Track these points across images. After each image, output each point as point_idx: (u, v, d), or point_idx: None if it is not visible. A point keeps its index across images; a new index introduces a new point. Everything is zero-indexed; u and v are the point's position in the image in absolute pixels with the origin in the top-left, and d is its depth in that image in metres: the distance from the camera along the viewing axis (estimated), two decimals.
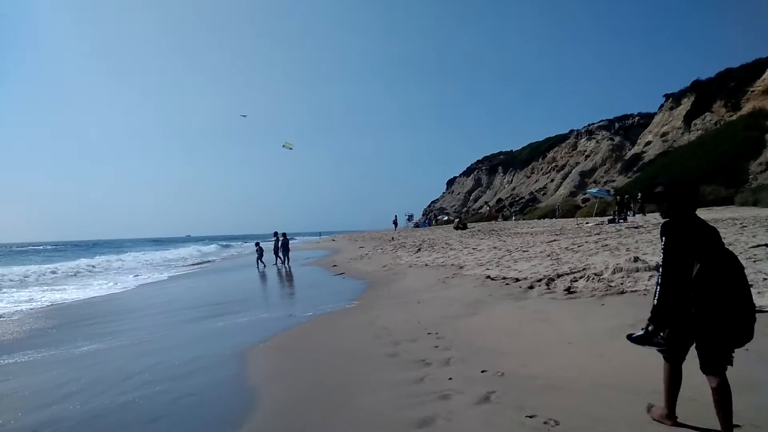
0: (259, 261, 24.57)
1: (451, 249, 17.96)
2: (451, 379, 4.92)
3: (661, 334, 3.23)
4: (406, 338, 6.86)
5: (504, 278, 10.73)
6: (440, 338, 6.67)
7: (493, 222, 47.11)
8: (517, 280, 10.29)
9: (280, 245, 24.50)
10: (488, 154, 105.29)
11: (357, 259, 21.04)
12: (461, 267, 13.49)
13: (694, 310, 3.04)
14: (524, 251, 14.40)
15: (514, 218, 50.73)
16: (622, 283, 8.27)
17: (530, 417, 3.80)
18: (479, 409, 4.12)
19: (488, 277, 11.23)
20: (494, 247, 16.28)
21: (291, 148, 28.09)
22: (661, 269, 3.16)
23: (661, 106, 63.60)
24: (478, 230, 27.41)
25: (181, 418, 4.88)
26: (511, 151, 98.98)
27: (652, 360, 3.68)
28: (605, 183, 60.19)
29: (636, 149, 62.73)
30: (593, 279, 8.93)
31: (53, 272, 24.16)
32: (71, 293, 17.25)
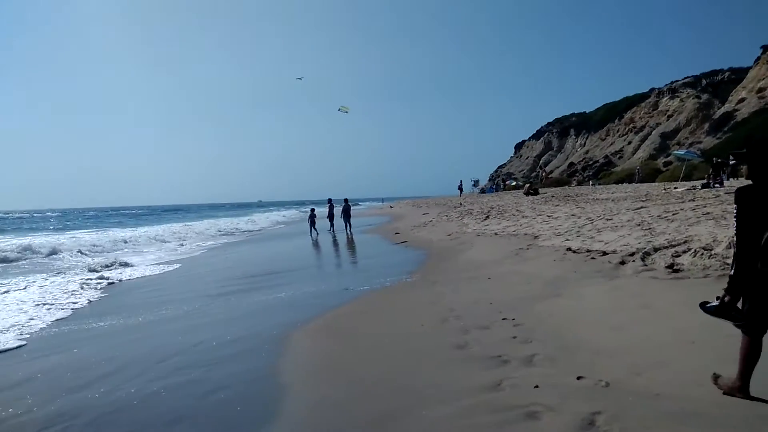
0: (312, 229, 23.60)
1: (523, 216, 16.50)
2: (537, 387, 3.79)
3: (737, 307, 3.05)
4: (476, 324, 5.77)
5: (588, 251, 9.36)
6: (518, 326, 5.54)
7: (566, 187, 44.48)
8: (605, 253, 8.89)
9: (341, 211, 23.68)
10: (559, 116, 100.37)
11: (420, 227, 19.98)
12: (536, 237, 12.13)
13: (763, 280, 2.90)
14: (608, 219, 12.81)
15: (591, 183, 47.45)
16: None
17: None
18: None
19: (569, 249, 9.88)
20: (572, 215, 14.71)
21: (347, 112, 27.63)
22: (735, 238, 3.01)
23: (757, 59, 57.48)
24: (552, 196, 25.44)
25: (205, 422, 4.06)
26: (584, 112, 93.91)
27: None
28: (691, 145, 55.59)
29: (727, 107, 57.44)
30: (702, 254, 7.40)
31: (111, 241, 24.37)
32: (133, 259, 17.26)
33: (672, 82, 75.01)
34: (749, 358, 3.14)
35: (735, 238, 3.01)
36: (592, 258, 8.75)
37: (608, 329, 5.13)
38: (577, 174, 70.18)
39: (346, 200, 24.19)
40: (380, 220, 30.08)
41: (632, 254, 8.34)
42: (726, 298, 3.03)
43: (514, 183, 60.18)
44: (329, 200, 25.24)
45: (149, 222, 49.90)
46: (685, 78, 74.28)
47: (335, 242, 20.24)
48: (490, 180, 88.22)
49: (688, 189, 19.91)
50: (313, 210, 24.94)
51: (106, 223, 53.01)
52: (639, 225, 11.30)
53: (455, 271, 9.67)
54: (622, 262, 8.06)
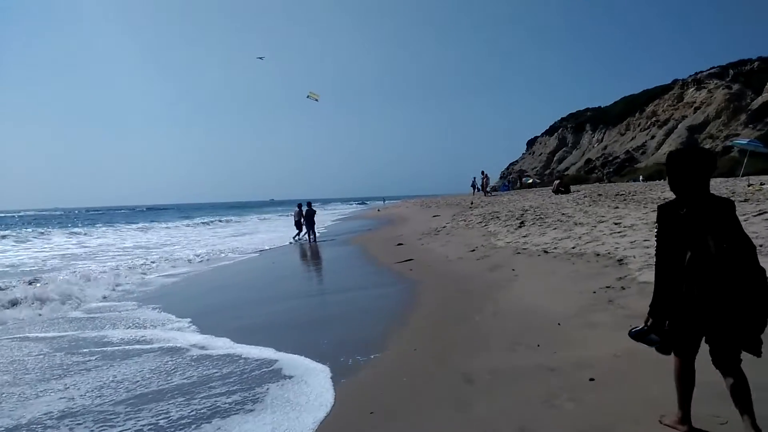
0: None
1: (576, 223, 11.73)
2: None
3: (654, 335, 2.81)
4: None
5: None
6: None
7: (597, 184, 39.53)
8: None
9: (304, 217, 20.54)
10: (573, 111, 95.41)
11: (430, 235, 15.24)
12: (620, 261, 7.44)
13: (689, 303, 2.65)
14: None
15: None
16: None
17: None
18: None
19: None
20: (655, 222, 10.02)
21: (317, 100, 24.52)
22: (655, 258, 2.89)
23: None
24: (599, 195, 20.53)
25: None
26: (600, 107, 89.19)
27: None
28: (725, 138, 50.75)
29: (765, 97, 52.52)
30: None
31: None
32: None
33: (696, 73, 70.37)
34: (684, 385, 2.83)
35: (655, 259, 2.83)
36: None
37: None
38: (596, 171, 65.62)
39: (309, 204, 20.74)
40: (380, 224, 25.37)
41: None
42: (649, 322, 2.81)
43: (530, 180, 55.39)
44: (299, 205, 21.50)
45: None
46: (711, 68, 69.56)
47: (303, 258, 16.03)
48: (501, 178, 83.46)
49: None
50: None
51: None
52: None
53: (506, 344, 4.98)
54: None
